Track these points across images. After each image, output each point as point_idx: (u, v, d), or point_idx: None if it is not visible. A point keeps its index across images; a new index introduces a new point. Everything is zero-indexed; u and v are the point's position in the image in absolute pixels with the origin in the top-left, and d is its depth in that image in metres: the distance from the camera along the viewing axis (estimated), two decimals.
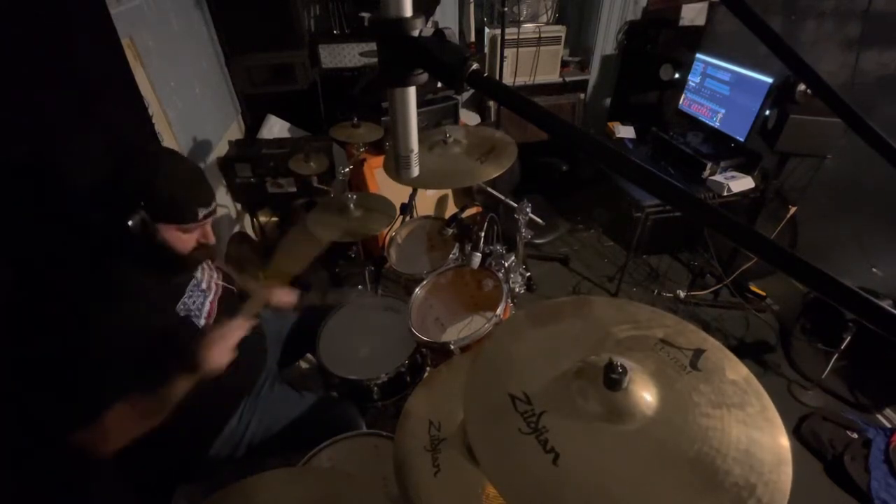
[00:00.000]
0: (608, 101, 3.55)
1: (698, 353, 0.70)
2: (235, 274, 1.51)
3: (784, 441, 0.59)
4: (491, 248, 1.72)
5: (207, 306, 1.29)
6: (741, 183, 2.34)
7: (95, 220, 1.07)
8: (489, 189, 1.77)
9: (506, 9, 2.70)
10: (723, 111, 2.47)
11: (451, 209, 2.91)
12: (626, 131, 2.95)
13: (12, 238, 1.05)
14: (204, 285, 1.30)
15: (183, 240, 1.13)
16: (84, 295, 1.06)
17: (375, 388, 1.47)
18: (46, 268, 1.09)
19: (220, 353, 1.11)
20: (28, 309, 1.04)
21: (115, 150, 1.12)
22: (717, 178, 2.36)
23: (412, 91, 0.58)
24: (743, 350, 2.43)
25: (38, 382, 1.04)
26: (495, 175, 1.52)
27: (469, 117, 3.19)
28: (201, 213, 1.12)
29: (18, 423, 1.04)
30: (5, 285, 1.03)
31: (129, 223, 1.02)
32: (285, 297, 1.47)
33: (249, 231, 2.86)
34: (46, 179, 1.15)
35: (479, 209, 2.41)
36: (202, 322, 1.25)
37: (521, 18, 3.08)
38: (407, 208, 2.04)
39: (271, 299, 1.43)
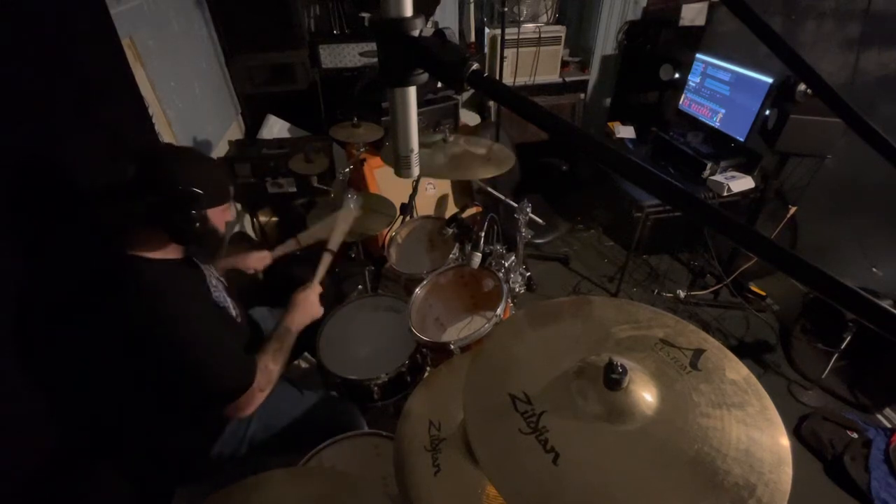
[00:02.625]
0: (608, 101, 3.55)
1: (698, 353, 0.70)
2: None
3: (784, 441, 0.59)
4: (491, 248, 1.72)
5: (229, 299, 1.32)
6: (741, 183, 2.34)
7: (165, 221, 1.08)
8: (489, 189, 1.78)
9: (506, 9, 2.70)
10: (723, 111, 2.47)
11: (451, 209, 2.91)
12: (626, 131, 2.94)
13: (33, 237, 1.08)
14: (214, 281, 1.31)
15: (226, 216, 1.20)
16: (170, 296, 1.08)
17: (375, 388, 1.47)
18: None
19: (313, 306, 1.39)
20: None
21: (149, 154, 1.13)
22: (717, 178, 2.36)
23: (412, 91, 0.58)
24: (743, 350, 2.43)
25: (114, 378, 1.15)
26: (496, 174, 1.52)
27: (469, 117, 3.19)
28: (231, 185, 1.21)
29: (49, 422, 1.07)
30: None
31: (194, 222, 1.07)
32: (258, 261, 1.61)
33: (249, 231, 2.86)
34: (46, 178, 1.15)
35: (479, 209, 2.41)
36: (234, 312, 1.31)
37: (521, 18, 3.08)
38: (407, 208, 2.04)
39: (248, 262, 1.60)
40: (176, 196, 1.06)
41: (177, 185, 1.06)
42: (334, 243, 1.58)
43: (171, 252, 1.16)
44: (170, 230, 1.09)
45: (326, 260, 1.54)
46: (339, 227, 1.61)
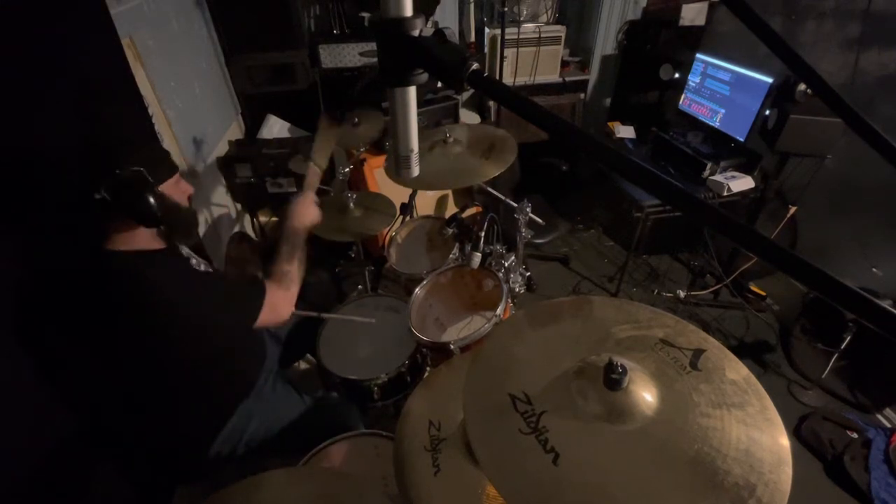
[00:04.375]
0: (608, 101, 3.55)
1: (698, 353, 0.70)
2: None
3: (784, 441, 0.59)
4: (491, 248, 1.72)
5: None
6: (741, 183, 2.34)
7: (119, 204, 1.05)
8: (489, 189, 1.77)
9: (506, 9, 2.69)
10: (723, 111, 2.47)
11: (451, 209, 2.91)
12: (626, 131, 2.94)
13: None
14: (202, 268, 1.30)
15: (181, 189, 1.18)
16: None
17: (375, 389, 1.47)
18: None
19: (308, 209, 1.42)
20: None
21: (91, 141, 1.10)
22: (717, 178, 2.36)
23: (412, 91, 0.58)
24: (743, 350, 2.42)
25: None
26: (496, 174, 1.52)
27: (469, 117, 3.19)
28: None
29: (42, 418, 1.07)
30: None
31: (151, 200, 1.05)
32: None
33: (249, 231, 2.86)
34: (46, 177, 1.15)
35: (479, 209, 2.41)
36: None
37: (521, 18, 3.08)
38: (407, 208, 2.04)
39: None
40: (122, 180, 1.03)
41: (119, 168, 1.03)
42: (320, 157, 1.58)
43: (152, 243, 1.14)
44: (133, 215, 1.06)
45: (313, 171, 1.54)
46: (319, 141, 1.60)
